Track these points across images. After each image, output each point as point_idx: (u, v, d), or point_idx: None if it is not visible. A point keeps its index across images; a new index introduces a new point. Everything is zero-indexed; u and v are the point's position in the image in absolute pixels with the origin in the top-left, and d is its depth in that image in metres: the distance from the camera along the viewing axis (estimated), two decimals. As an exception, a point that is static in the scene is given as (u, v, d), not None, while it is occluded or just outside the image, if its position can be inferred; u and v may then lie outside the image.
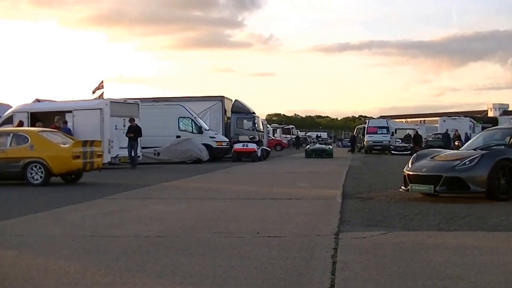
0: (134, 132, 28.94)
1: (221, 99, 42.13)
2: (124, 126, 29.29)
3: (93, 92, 35.68)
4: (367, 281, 6.31)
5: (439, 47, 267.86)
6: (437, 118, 70.30)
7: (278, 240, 8.80)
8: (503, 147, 14.86)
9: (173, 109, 37.34)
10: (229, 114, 43.10)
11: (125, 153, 29.07)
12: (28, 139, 19.72)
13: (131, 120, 29.14)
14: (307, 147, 51.77)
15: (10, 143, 19.90)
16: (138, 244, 8.58)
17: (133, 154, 28.98)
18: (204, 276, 6.58)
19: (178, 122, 37.03)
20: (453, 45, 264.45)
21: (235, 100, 44.17)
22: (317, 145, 50.30)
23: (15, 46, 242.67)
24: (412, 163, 14.69)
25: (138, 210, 12.76)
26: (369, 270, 6.79)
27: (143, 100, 35.23)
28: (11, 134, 20.33)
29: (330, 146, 50.17)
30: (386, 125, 59.60)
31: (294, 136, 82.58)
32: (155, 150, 34.19)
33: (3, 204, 14.39)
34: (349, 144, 63.45)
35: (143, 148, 31.82)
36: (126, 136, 28.77)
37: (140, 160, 30.89)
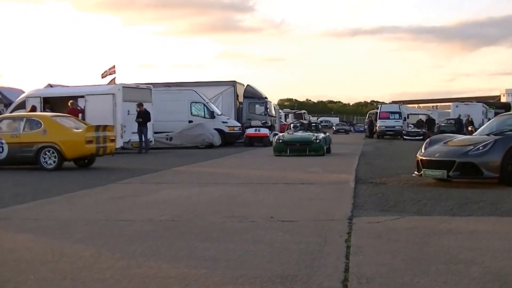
0: (142, 117, 28.89)
1: (233, 84, 42.06)
2: (137, 111, 29.28)
3: (103, 77, 35.58)
4: (381, 265, 6.30)
5: (451, 32, 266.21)
6: (450, 104, 69.97)
7: (292, 225, 8.81)
8: (517, 132, 14.79)
9: (186, 94, 37.30)
10: (241, 99, 43.01)
11: (137, 138, 29.08)
12: (41, 124, 19.77)
13: (140, 105, 29.03)
14: (276, 137, 28.54)
15: (23, 128, 19.96)
16: (152, 229, 8.62)
17: (143, 139, 28.99)
18: (219, 260, 6.60)
19: (191, 107, 37.00)
20: (466, 30, 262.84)
21: (247, 85, 44.08)
22: (296, 134, 28.63)
23: (27, 29, 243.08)
24: (425, 148, 14.64)
25: (151, 195, 12.79)
26: (382, 255, 6.79)
27: (156, 85, 35.23)
28: (24, 119, 20.39)
29: (322, 134, 28.15)
30: (399, 110, 59.25)
31: (306, 121, 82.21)
32: (167, 135, 34.20)
33: (17, 189, 14.44)
34: (362, 130, 63.06)
35: (155, 133, 31.86)
36: (136, 121, 28.75)
37: (152, 145, 30.93)
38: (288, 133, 29.07)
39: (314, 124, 32.33)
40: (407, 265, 6.31)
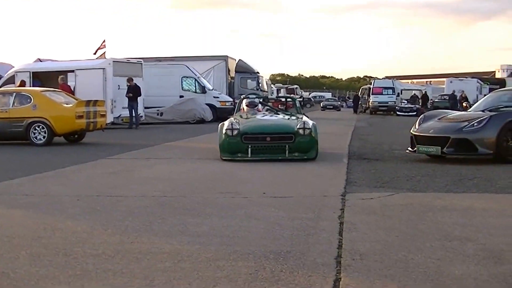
0: (133, 92, 28.71)
1: (225, 58, 41.95)
2: (127, 86, 29.11)
3: (95, 53, 35.40)
4: (374, 241, 6.28)
5: (448, 7, 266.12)
6: (444, 79, 69.96)
7: (285, 201, 8.77)
8: (511, 108, 14.77)
9: (176, 68, 37.10)
10: (232, 73, 42.93)
11: (128, 113, 28.93)
12: (31, 99, 19.61)
13: (130, 79, 28.82)
14: (225, 126, 14.72)
15: (13, 103, 19.78)
16: (144, 204, 8.56)
17: (133, 114, 28.85)
18: (212, 235, 6.56)
19: (182, 82, 36.81)
20: (463, 5, 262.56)
21: (239, 59, 43.97)
22: (264, 119, 15.87)
23: (15, 3, 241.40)
24: (419, 124, 14.60)
25: (143, 170, 12.74)
26: (376, 231, 6.76)
27: (146, 59, 35.08)
28: (14, 94, 20.22)
29: (308, 120, 15.21)
30: (392, 86, 59.22)
31: (299, 96, 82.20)
32: (158, 110, 34.05)
33: (8, 164, 14.38)
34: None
35: (146, 108, 31.72)
36: (126, 96, 28.60)
37: (143, 120, 30.81)
38: (246, 116, 16.13)
39: (291, 101, 19.84)
40: (401, 241, 6.28)
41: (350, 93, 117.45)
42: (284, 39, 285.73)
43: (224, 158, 14.16)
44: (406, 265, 5.41)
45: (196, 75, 37.28)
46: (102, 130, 21.51)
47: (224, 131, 14.41)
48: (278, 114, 16.56)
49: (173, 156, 15.52)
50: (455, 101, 47.17)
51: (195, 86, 36.85)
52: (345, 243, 6.21)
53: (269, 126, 14.83)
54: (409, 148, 14.55)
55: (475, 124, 13.52)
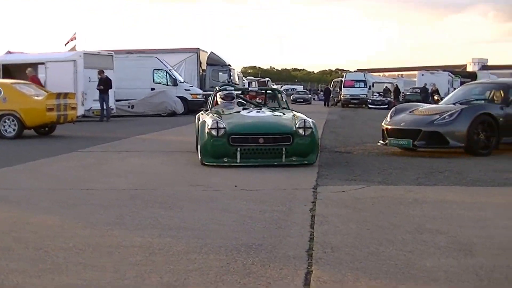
0: (104, 84, 28.50)
1: (196, 51, 41.87)
2: (98, 78, 28.91)
3: (65, 45, 35.09)
4: (346, 234, 6.30)
5: (420, 0, 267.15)
6: (416, 72, 70.12)
7: (256, 194, 8.77)
8: (482, 101, 14.91)
9: (148, 61, 36.91)
10: (204, 66, 42.86)
11: (99, 105, 28.75)
12: (0, 91, 19.39)
13: (100, 72, 28.62)
14: (207, 123, 12.09)
15: (-17, 96, 19.59)
16: (115, 197, 8.53)
17: (104, 107, 28.67)
18: (183, 228, 6.54)
19: (153, 74, 36.62)
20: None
21: (211, 52, 43.87)
22: (254, 115, 13.05)
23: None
24: (390, 117, 14.67)
25: (114, 163, 12.68)
26: (348, 224, 6.78)
27: (117, 52, 34.84)
28: (-16, 87, 20.01)
29: (305, 117, 12.58)
30: (364, 79, 59.40)
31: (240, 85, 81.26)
32: (129, 103, 33.87)
33: (-23, 157, 14.24)
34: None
35: (117, 100, 31.55)
36: (97, 89, 28.42)
37: (114, 112, 30.63)
38: (225, 111, 13.55)
39: (271, 93, 18.36)
40: (373, 234, 6.31)
41: (322, 86, 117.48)
42: (257, 31, 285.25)
43: (206, 163, 11.73)
44: (377, 258, 5.43)
45: (167, 67, 37.13)
46: (73, 123, 21.37)
47: (206, 131, 11.80)
48: (262, 109, 13.66)
49: (145, 149, 15.46)
50: (426, 94, 47.33)
51: (167, 79, 36.70)
52: (317, 236, 6.22)
53: (263, 125, 12.28)
54: (381, 141, 14.61)
55: (446, 117, 13.60)
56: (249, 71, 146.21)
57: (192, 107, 36.01)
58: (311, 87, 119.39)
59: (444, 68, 73.57)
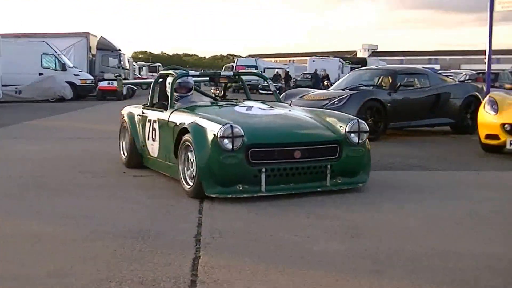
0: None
1: (86, 35, 41.21)
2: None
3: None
4: (234, 219, 6.39)
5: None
6: (307, 58, 70.91)
7: (146, 180, 8.74)
8: (371, 87, 15.25)
9: (36, 45, 36.01)
10: (94, 51, 42.22)
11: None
12: None
13: None
14: (216, 135, 7.24)
15: None
16: (0, 185, 8.34)
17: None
18: (70, 216, 6.47)
19: (41, 59, 35.77)
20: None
21: (101, 36, 43.28)
22: (276, 113, 8.64)
23: None
24: (281, 103, 14.69)
25: (0, 150, 12.37)
26: (236, 209, 6.86)
27: (4, 36, 33.93)
28: None
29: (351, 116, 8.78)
30: (255, 64, 59.66)
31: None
32: (16, 88, 33.01)
33: None
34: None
35: (3, 86, 30.70)
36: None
37: (0, 98, 29.86)
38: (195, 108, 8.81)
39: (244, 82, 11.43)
40: (261, 219, 6.40)
41: (213, 71, 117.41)
42: (147, 14, 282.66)
43: (211, 195, 7.27)
44: (265, 242, 5.51)
45: (56, 52, 36.38)
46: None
47: (211, 140, 7.34)
48: (256, 104, 8.98)
49: (33, 136, 15.10)
50: (317, 80, 47.83)
51: (55, 64, 35.94)
52: (205, 222, 6.27)
53: (297, 131, 7.98)
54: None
55: (335, 102, 13.82)
56: (140, 56, 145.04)
57: (81, 93, 35.47)
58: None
59: (335, 54, 74.66)
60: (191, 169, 7.60)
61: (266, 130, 7.80)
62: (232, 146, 7.21)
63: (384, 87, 15.07)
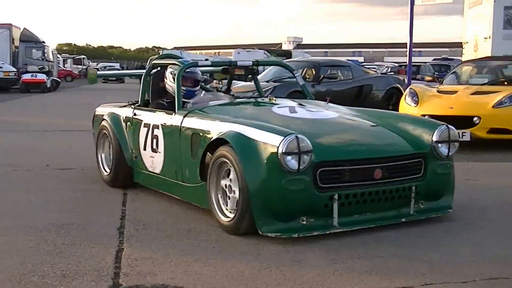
0: None
1: (9, 27, 40.44)
2: None
3: None
4: (158, 212, 6.41)
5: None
6: (232, 50, 70.85)
7: (68, 173, 8.66)
8: (294, 79, 15.35)
9: (-45, 37, 35.42)
10: (17, 43, 41.47)
11: None
12: None
13: None
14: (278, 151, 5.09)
15: None
16: None
17: None
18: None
19: (-39, 51, 35.21)
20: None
21: (24, 28, 42.55)
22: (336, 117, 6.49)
23: None
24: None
25: None
26: (159, 201, 6.85)
27: None
28: None
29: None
30: (180, 56, 59.28)
31: (85, 67, 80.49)
32: None
33: None
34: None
35: None
36: None
37: None
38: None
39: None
40: (184, 211, 6.40)
41: (138, 63, 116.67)
42: (71, 5, 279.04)
43: (268, 234, 5.26)
44: (187, 234, 5.54)
45: (-23, 44, 35.76)
46: None
47: (269, 156, 5.30)
48: (295, 104, 7.01)
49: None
50: (243, 72, 47.92)
51: (-24, 56, 35.34)
52: (129, 214, 6.27)
53: (373, 142, 6.05)
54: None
55: (259, 94, 13.88)
56: (64, 48, 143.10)
57: (4, 85, 34.89)
58: (128, 65, 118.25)
59: (260, 47, 74.86)
60: (232, 195, 5.60)
61: (336, 142, 5.90)
62: (299, 166, 5.21)
63: (308, 79, 15.25)
